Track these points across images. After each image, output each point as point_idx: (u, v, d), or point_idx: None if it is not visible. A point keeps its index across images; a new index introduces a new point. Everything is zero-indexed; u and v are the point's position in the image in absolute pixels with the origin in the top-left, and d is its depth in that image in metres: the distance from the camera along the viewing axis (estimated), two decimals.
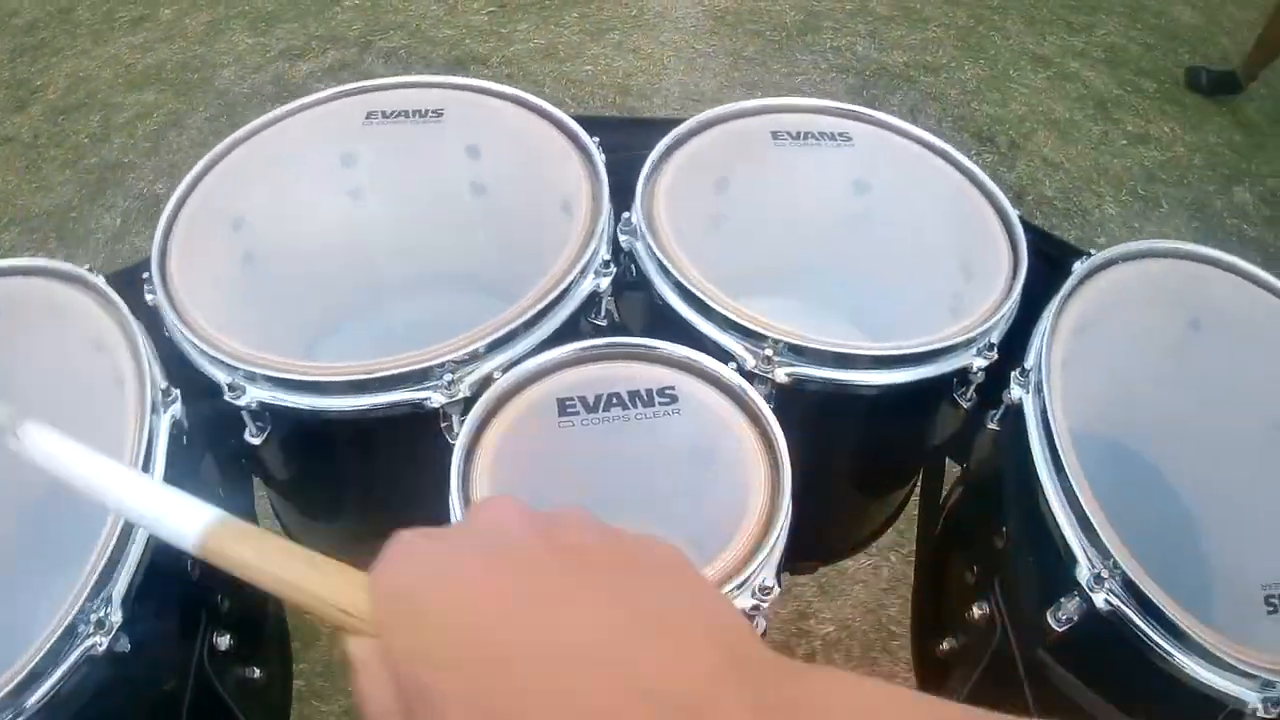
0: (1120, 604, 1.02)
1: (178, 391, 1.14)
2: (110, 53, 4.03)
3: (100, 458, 0.61)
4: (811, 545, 1.37)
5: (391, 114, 1.51)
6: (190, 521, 0.55)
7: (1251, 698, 0.98)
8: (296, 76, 3.90)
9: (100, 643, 0.93)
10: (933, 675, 1.48)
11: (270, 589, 0.53)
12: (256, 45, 4.06)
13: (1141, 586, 1.00)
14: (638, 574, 0.47)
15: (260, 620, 1.45)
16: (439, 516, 1.07)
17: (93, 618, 0.94)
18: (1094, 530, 1.04)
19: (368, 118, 1.51)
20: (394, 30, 4.18)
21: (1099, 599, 1.03)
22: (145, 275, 1.24)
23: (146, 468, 1.06)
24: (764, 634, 1.07)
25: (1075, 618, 1.06)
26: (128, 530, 1.00)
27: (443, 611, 0.44)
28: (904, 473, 1.58)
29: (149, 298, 1.23)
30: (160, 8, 4.28)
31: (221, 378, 1.17)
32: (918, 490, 1.59)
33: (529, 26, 4.27)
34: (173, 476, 1.09)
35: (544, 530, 0.48)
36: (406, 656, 0.44)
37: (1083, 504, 1.06)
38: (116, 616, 0.95)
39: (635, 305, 1.43)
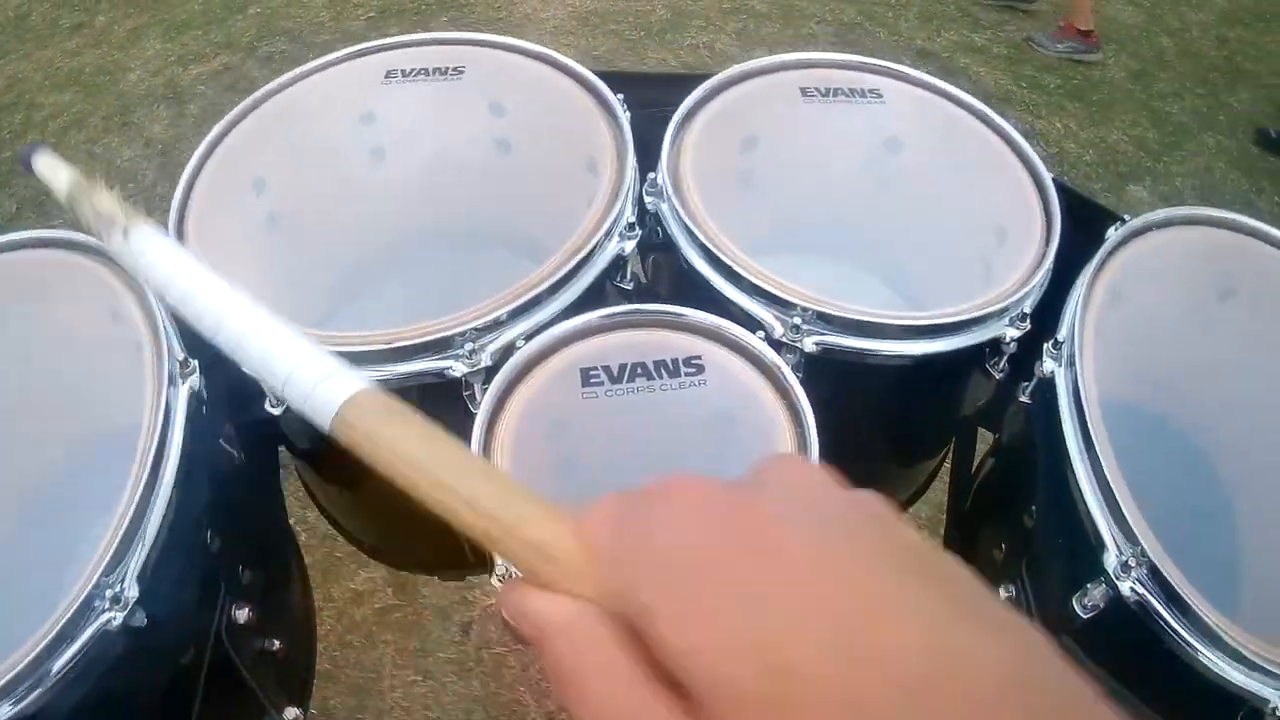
0: (1146, 593, 0.99)
1: (196, 362, 1.13)
2: (46, 56, 4.17)
3: (215, 280, 0.56)
4: None
5: (411, 72, 1.48)
6: (329, 386, 0.46)
7: (1273, 696, 0.95)
8: (185, 79, 3.99)
9: (116, 618, 0.93)
10: None
11: (421, 495, 0.42)
12: (163, 50, 4.16)
13: (1168, 577, 0.97)
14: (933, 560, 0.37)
15: (283, 591, 1.44)
16: None
17: (108, 593, 0.93)
18: (1123, 515, 1.01)
19: (387, 76, 1.48)
20: (280, 36, 4.25)
21: (1125, 587, 1.00)
22: None
23: (164, 440, 1.04)
24: None
25: (1101, 605, 1.04)
26: (145, 503, 0.99)
27: (802, 596, 0.33)
28: (934, 443, 1.55)
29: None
30: (97, 15, 4.42)
31: None
32: (948, 461, 1.56)
33: (401, 29, 4.26)
34: (192, 446, 1.08)
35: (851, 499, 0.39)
36: (721, 649, 0.33)
37: (1112, 487, 1.03)
38: (133, 591, 0.94)
39: (662, 267, 1.40)
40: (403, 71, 1.49)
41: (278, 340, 0.51)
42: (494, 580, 1.01)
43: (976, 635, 0.33)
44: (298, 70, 1.47)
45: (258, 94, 1.43)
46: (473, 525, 0.40)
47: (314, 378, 0.47)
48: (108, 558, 0.94)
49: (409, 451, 0.43)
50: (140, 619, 0.95)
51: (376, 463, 0.43)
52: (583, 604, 0.37)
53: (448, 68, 1.49)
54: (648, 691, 0.35)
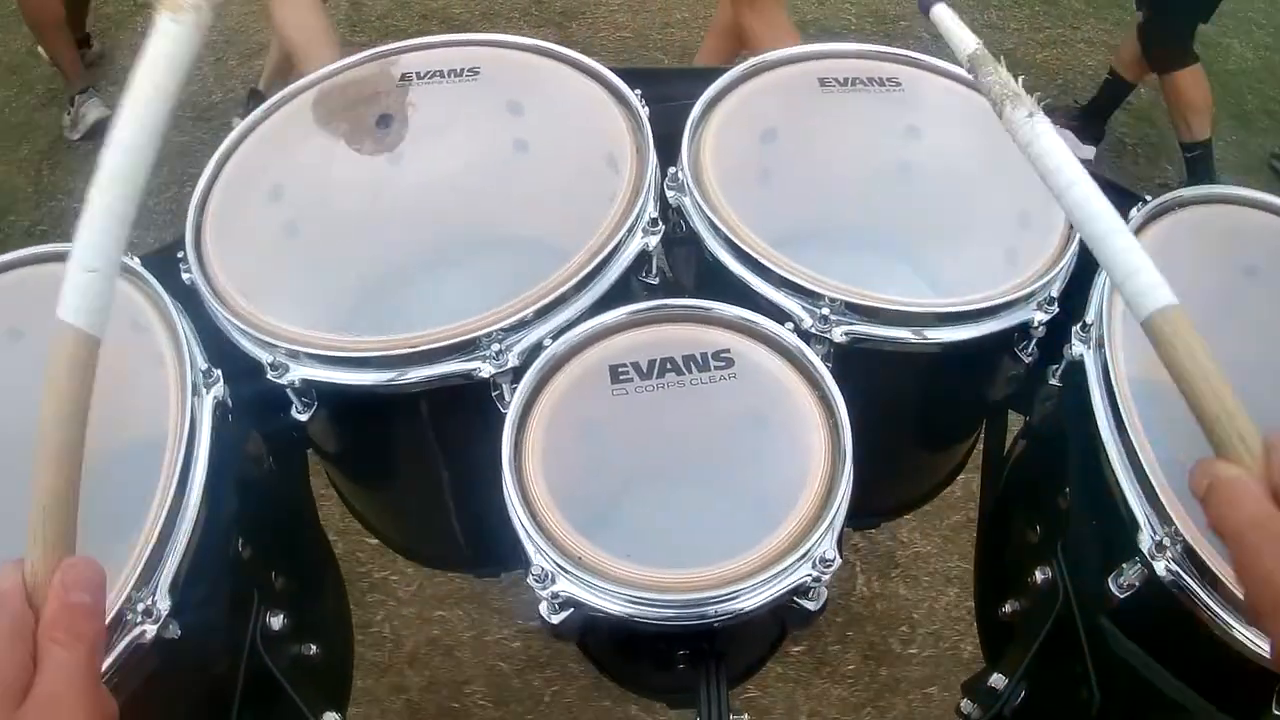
0: (1181, 572, 0.98)
1: (219, 372, 1.12)
2: None
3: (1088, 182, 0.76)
4: (871, 502, 1.34)
5: (426, 74, 1.47)
6: (1154, 292, 0.69)
7: None
8: None
9: (149, 631, 0.92)
10: (995, 639, 1.45)
11: (1190, 387, 0.66)
12: None
13: (1203, 555, 0.96)
14: None
15: (316, 596, 1.44)
16: (493, 486, 1.05)
17: (140, 606, 0.93)
18: (1156, 495, 1.01)
19: (402, 79, 1.47)
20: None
21: (1160, 566, 0.99)
22: (180, 255, 1.22)
23: (190, 451, 1.04)
24: (824, 604, 1.04)
25: (1137, 584, 1.03)
26: (174, 516, 0.99)
27: None
28: (966, 427, 1.54)
29: (185, 277, 1.21)
30: None
31: (263, 357, 1.15)
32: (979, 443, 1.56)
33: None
34: (219, 455, 1.07)
35: None
36: None
37: (1145, 467, 1.02)
38: (165, 604, 0.94)
39: (686, 260, 1.39)
40: (418, 74, 1.48)
41: (1123, 239, 0.74)
42: (529, 580, 1.00)
43: None
44: (311, 76, 1.46)
45: (270, 101, 1.43)
46: (1214, 414, 0.64)
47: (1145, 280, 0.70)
48: (139, 571, 0.93)
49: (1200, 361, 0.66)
50: (174, 631, 0.95)
51: (1170, 360, 0.67)
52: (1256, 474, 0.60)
53: (463, 69, 1.48)
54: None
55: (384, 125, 1.48)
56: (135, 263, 1.19)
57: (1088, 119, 3.99)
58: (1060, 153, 0.78)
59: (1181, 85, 3.51)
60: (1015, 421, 1.49)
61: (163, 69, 0.69)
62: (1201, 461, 0.62)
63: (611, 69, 1.44)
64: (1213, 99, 3.59)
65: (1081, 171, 0.77)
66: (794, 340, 1.16)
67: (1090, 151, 3.94)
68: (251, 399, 1.19)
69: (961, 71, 1.46)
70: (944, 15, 0.91)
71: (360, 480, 1.50)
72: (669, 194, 1.32)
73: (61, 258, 1.20)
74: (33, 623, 0.58)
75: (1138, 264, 0.71)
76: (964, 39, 0.90)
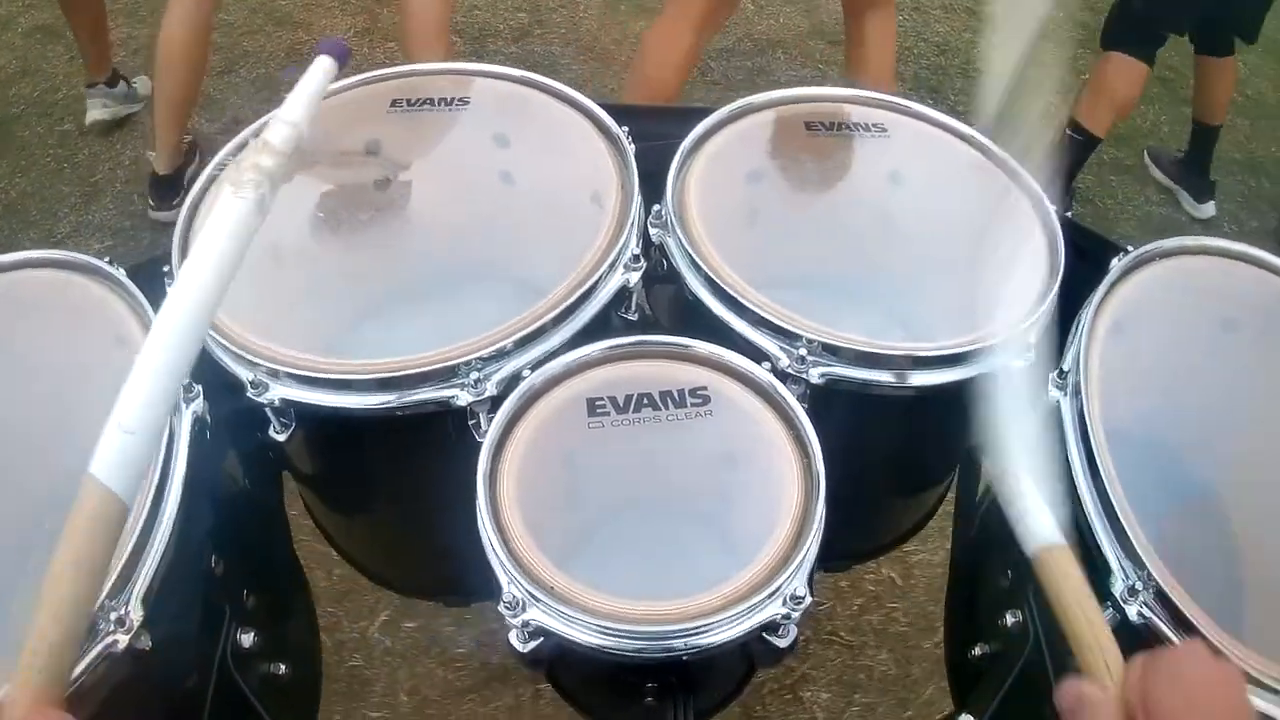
0: (1154, 617, 1.00)
1: (199, 387, 1.12)
2: None
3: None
4: (843, 544, 1.35)
5: (416, 102, 1.49)
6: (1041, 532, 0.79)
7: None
8: None
9: (120, 640, 0.92)
10: (964, 681, 1.46)
11: (1065, 616, 0.76)
12: None
13: (1175, 600, 0.98)
14: None
15: (286, 616, 1.44)
16: (467, 514, 1.06)
17: (113, 615, 0.93)
18: (1129, 540, 1.02)
19: (392, 105, 1.48)
20: None
21: (1132, 611, 1.00)
22: (166, 269, 1.22)
23: (168, 464, 1.04)
24: (794, 642, 1.04)
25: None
26: (149, 526, 0.99)
27: None
28: (940, 472, 1.55)
29: (170, 291, 1.21)
30: None
31: (244, 374, 1.15)
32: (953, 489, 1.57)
33: None
34: (195, 470, 1.08)
35: None
36: None
37: (1118, 513, 1.03)
38: (137, 615, 0.94)
39: (666, 299, 1.40)
40: (408, 101, 1.49)
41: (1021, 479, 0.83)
42: (500, 608, 1.01)
43: None
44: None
45: (257, 124, 1.43)
46: (1087, 643, 0.74)
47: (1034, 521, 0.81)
48: (113, 579, 0.93)
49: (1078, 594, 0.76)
50: (145, 642, 0.95)
51: (1051, 591, 0.77)
52: (1114, 696, 0.68)
53: (452, 98, 1.50)
54: None
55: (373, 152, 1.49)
56: (120, 274, 1.19)
57: (1191, 174, 3.78)
58: None
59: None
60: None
61: (224, 241, 0.69)
62: (1071, 683, 0.71)
63: (600, 104, 1.45)
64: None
65: None
66: (770, 379, 1.17)
67: (1209, 210, 3.72)
68: (230, 417, 1.19)
69: (946, 119, 1.49)
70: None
71: (334, 503, 1.50)
72: (652, 231, 1.33)
73: (49, 264, 1.21)
74: None
75: (1029, 506, 0.81)
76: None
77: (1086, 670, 0.73)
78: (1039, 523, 0.80)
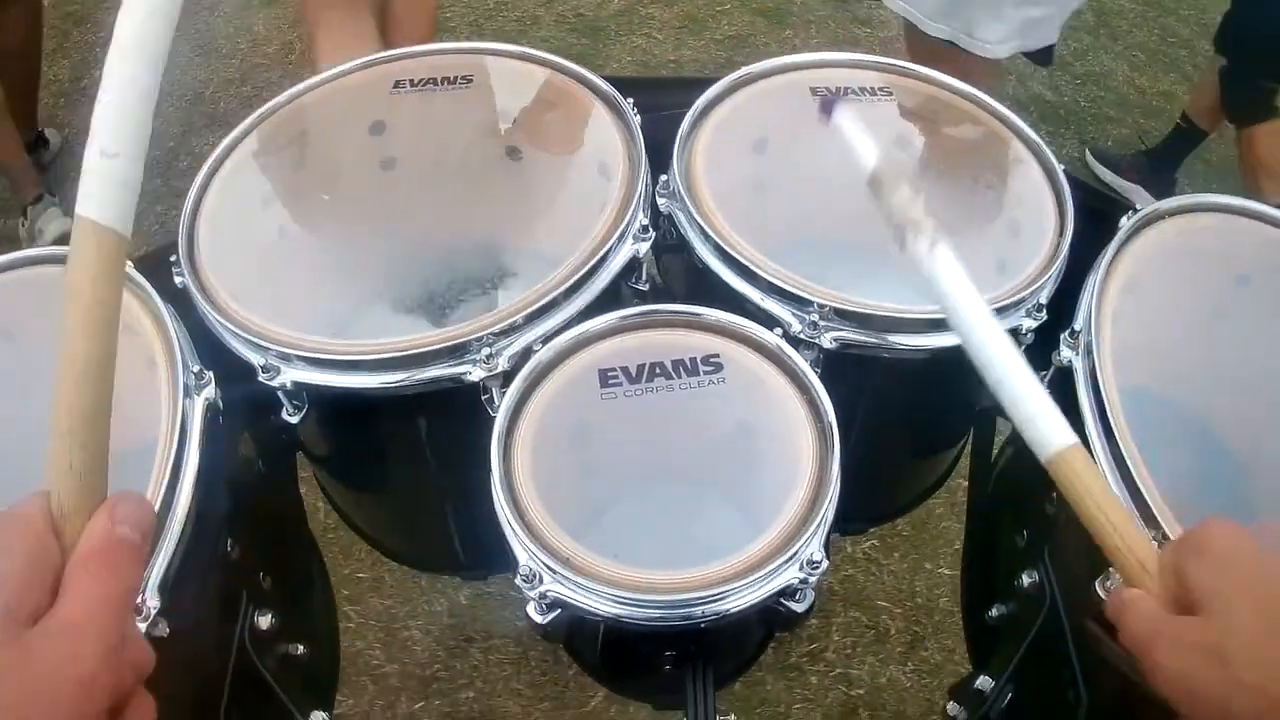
0: None
1: (211, 374, 1.12)
2: None
3: (991, 323, 0.78)
4: (860, 508, 1.35)
5: (419, 82, 1.48)
6: (1054, 435, 0.73)
7: None
8: None
9: (138, 629, 0.92)
10: (981, 642, 1.46)
11: (1090, 522, 0.72)
12: None
13: None
14: None
15: (305, 595, 1.44)
16: (482, 489, 1.06)
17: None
18: (1143, 498, 1.01)
19: (395, 86, 1.48)
20: None
21: None
22: (173, 258, 1.22)
23: (181, 452, 1.04)
24: (811, 606, 1.04)
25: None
26: (164, 515, 0.99)
27: None
28: (954, 433, 1.55)
29: (177, 280, 1.21)
30: None
31: (254, 359, 1.15)
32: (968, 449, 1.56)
33: None
34: (209, 457, 1.08)
35: None
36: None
37: (1132, 471, 1.02)
38: (154, 602, 0.94)
39: (676, 267, 1.40)
40: (410, 81, 1.49)
41: (1025, 382, 0.76)
42: (518, 581, 1.01)
43: None
44: (304, 84, 1.47)
45: (264, 108, 1.43)
46: (1114, 546, 0.72)
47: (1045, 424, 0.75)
48: None
49: (1099, 497, 0.73)
50: (163, 629, 0.95)
51: (1073, 498, 0.73)
52: (1152, 590, 0.69)
53: (456, 76, 1.49)
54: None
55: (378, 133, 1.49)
56: (128, 266, 1.19)
57: (1155, 168, 3.70)
58: (962, 293, 0.80)
59: (1258, 141, 2.91)
60: (1003, 427, 1.49)
61: None
62: (1116, 591, 0.73)
63: (604, 77, 1.45)
64: None
65: (985, 312, 0.79)
66: (782, 345, 1.16)
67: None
68: (242, 401, 1.19)
69: (952, 81, 1.48)
70: (846, 122, 0.87)
71: (349, 483, 1.50)
72: (660, 201, 1.32)
73: (51, 260, 1.21)
74: (58, 554, 0.53)
75: (1038, 408, 0.75)
76: (864, 152, 0.87)
77: (1122, 575, 0.72)
78: (1049, 425, 0.74)
